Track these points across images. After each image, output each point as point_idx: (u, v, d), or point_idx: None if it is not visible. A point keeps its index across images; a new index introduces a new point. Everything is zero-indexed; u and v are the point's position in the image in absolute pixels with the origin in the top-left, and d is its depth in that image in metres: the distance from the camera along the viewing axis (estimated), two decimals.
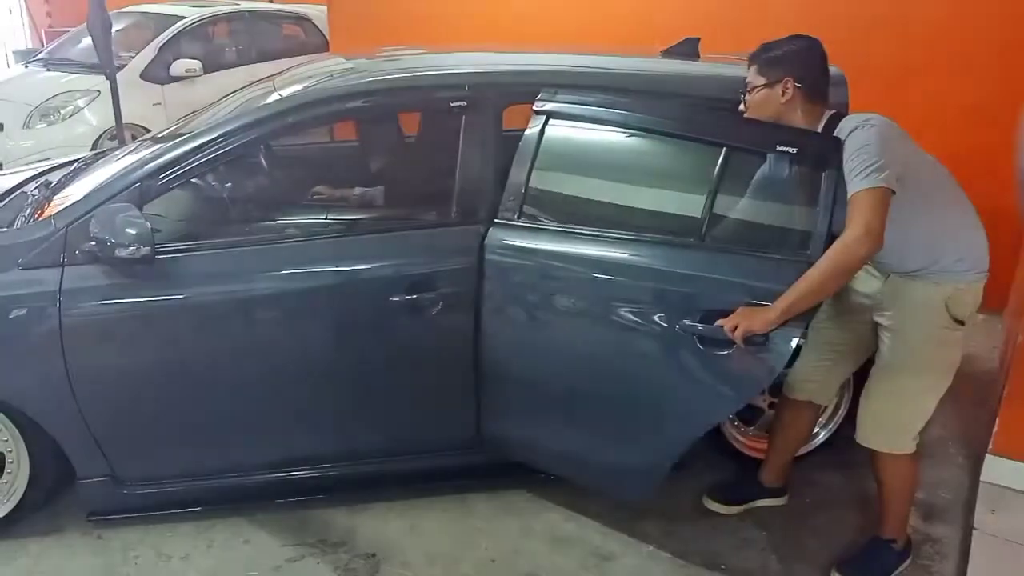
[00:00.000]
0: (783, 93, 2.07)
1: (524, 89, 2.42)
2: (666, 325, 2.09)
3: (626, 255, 2.20)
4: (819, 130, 2.07)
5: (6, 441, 2.28)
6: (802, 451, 2.66)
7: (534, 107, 2.34)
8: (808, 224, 2.02)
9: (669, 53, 2.88)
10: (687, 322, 2.06)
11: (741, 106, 2.16)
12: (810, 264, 1.93)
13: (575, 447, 2.36)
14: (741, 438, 2.73)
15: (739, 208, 2.18)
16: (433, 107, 2.68)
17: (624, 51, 3.29)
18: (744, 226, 2.17)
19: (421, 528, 2.44)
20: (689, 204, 2.19)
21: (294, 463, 2.47)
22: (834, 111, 2.10)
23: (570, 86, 2.45)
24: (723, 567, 2.31)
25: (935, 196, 2.05)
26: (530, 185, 2.30)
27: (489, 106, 2.36)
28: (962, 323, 2.06)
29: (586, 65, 2.78)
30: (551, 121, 2.32)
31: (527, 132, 2.33)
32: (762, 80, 2.09)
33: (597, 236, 2.22)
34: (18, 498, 2.35)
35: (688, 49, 2.88)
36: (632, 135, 2.34)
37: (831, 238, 1.96)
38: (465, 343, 2.33)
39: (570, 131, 2.34)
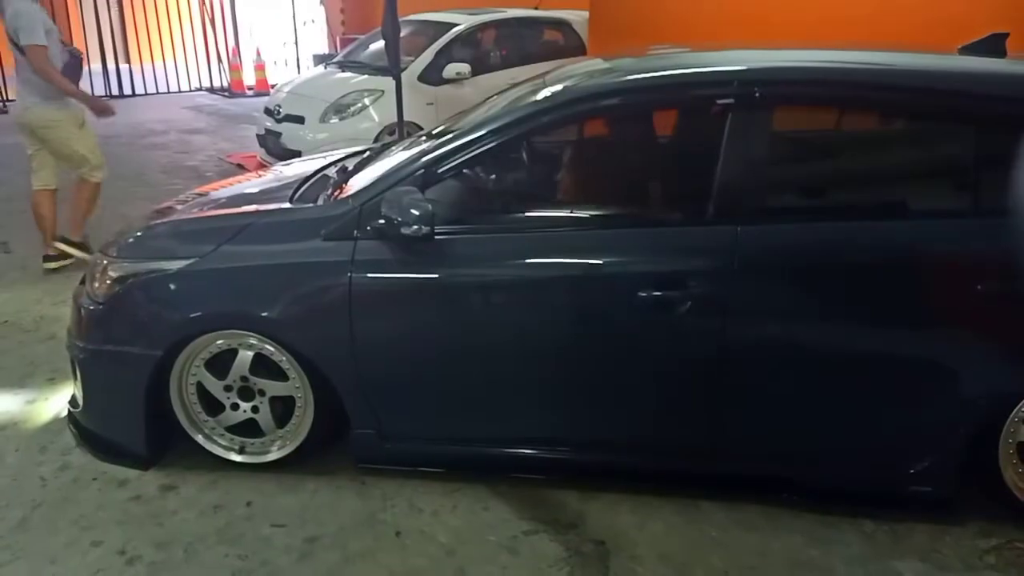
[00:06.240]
0: None
1: (794, 88, 2.37)
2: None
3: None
4: None
5: (298, 388, 2.62)
6: None
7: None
8: None
9: (968, 50, 2.60)
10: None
11: None
12: None
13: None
14: None
15: None
16: (697, 104, 2.66)
17: (906, 47, 3.02)
18: None
19: (651, 525, 2.44)
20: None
21: (533, 442, 2.59)
22: None
23: (850, 84, 2.36)
24: None
25: None
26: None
27: (755, 104, 2.29)
28: None
29: (866, 62, 2.60)
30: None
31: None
32: None
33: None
34: (302, 438, 2.69)
35: (993, 46, 2.58)
36: None
37: None
38: (713, 344, 2.30)
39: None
